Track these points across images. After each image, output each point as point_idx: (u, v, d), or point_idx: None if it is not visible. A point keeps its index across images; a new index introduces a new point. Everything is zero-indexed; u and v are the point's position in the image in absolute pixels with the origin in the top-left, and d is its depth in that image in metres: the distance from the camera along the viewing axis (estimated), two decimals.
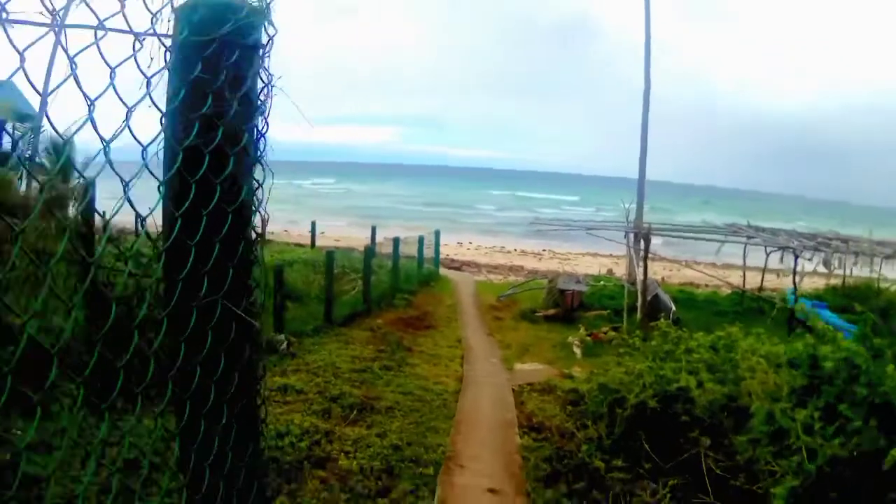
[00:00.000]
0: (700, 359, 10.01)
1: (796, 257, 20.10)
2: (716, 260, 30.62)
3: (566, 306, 21.15)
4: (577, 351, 17.04)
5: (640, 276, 19.61)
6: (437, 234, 30.97)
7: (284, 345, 14.47)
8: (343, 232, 49.61)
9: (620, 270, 35.63)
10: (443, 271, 31.17)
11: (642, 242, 19.33)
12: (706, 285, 33.22)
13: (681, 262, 31.69)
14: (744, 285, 25.02)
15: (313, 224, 37.48)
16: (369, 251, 21.16)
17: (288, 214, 53.20)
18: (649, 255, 19.38)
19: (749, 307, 23.92)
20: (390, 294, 22.22)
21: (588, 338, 18.19)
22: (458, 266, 36.63)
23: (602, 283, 26.15)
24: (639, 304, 19.03)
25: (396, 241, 24.29)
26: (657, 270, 28.77)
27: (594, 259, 42.18)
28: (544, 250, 48.45)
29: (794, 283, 20.14)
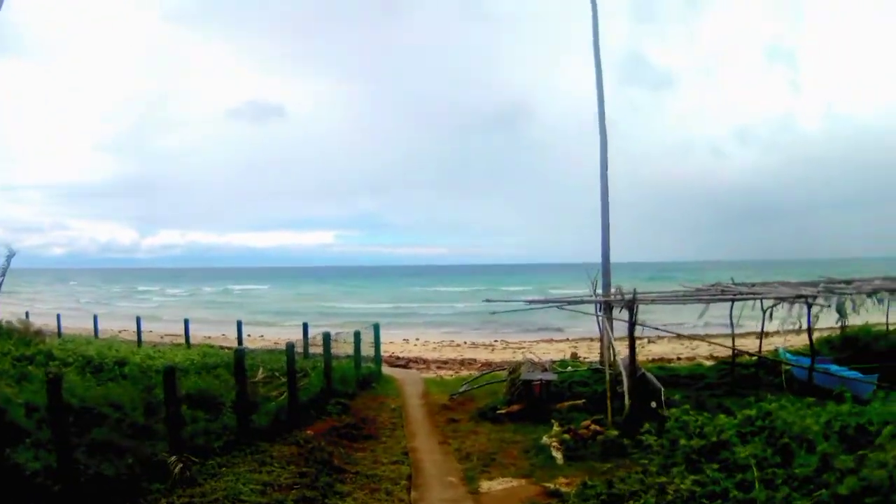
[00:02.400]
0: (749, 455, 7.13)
1: (809, 307, 17.14)
2: (696, 326, 27.89)
3: (533, 399, 17.74)
4: (558, 455, 13.73)
5: (612, 356, 17.19)
6: (377, 328, 27.24)
7: (177, 468, 11.20)
8: (276, 333, 45.71)
9: (585, 353, 32.96)
10: (386, 370, 27.49)
11: (612, 315, 16.28)
12: (678, 358, 30.58)
13: (665, 333, 28.42)
14: (733, 351, 21.78)
15: (239, 324, 33.76)
16: (291, 347, 17.58)
17: (218, 317, 50.28)
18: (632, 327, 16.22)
19: (743, 375, 21.11)
20: (323, 399, 18.68)
21: (566, 436, 14.78)
22: (403, 363, 33.20)
23: (570, 367, 22.64)
24: (625, 387, 15.77)
25: (327, 336, 20.67)
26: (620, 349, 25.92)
27: (550, 345, 39.47)
28: (496, 341, 46.05)
29: (811, 337, 18.62)
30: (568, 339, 44.96)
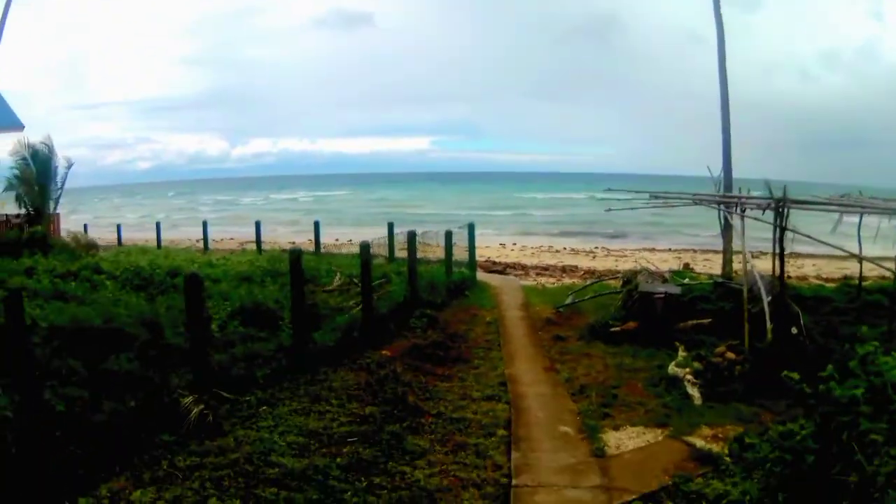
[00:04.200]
0: None
1: None
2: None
3: (653, 316, 14.80)
4: (694, 392, 10.86)
5: (755, 270, 13.83)
6: (472, 228, 24.18)
7: (195, 412, 8.63)
8: (363, 236, 43.53)
9: (696, 265, 30.15)
10: (481, 276, 24.61)
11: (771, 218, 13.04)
12: (788, 276, 27.48)
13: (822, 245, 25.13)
14: (861, 273, 18.31)
15: (316, 224, 31.25)
16: (366, 248, 14.92)
17: (303, 223, 48.50)
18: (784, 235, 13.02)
19: (869, 302, 17.30)
20: (406, 310, 16.03)
21: (697, 364, 11.85)
22: (500, 269, 30.48)
23: (687, 280, 19.29)
24: (765, 307, 12.55)
25: (412, 236, 17.90)
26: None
27: (652, 255, 35.98)
28: (596, 248, 43.41)
29: None
30: (670, 250, 42.07)
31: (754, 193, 14.56)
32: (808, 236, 12.87)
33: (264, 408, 9.62)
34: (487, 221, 54.59)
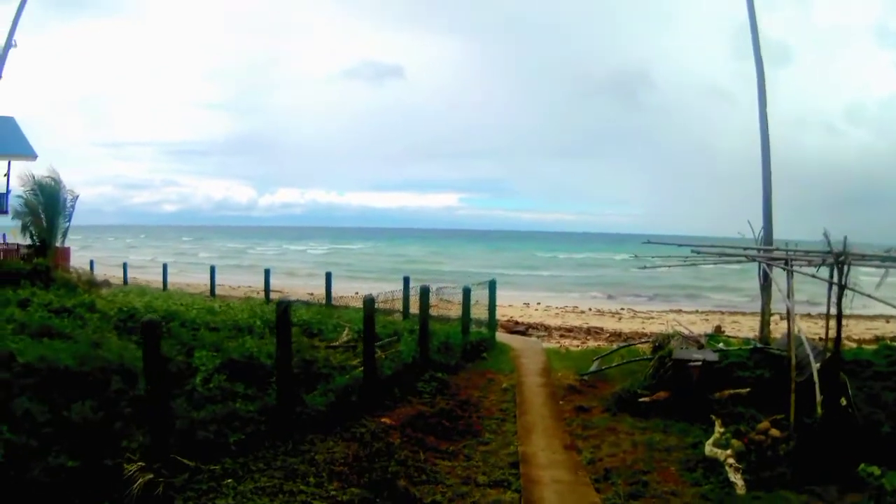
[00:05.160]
0: None
1: None
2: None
3: (687, 385, 13.31)
4: (737, 479, 9.35)
5: (802, 334, 12.23)
6: (493, 284, 22.80)
7: (140, 482, 7.51)
8: (378, 289, 42.59)
9: (728, 328, 28.69)
10: (502, 337, 23.10)
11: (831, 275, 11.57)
12: (819, 338, 26.08)
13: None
14: None
15: (328, 276, 30.04)
16: (370, 303, 13.59)
17: (318, 275, 47.79)
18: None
19: None
20: (414, 372, 14.64)
21: (736, 442, 10.35)
22: (522, 329, 29.14)
23: (721, 344, 17.64)
24: (815, 377, 11.03)
25: (425, 292, 16.54)
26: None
27: (679, 317, 34.76)
28: (622, 309, 42.42)
29: None
30: (698, 311, 41.22)
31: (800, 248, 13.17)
32: (870, 295, 11.42)
33: (229, 481, 8.27)
34: (511, 281, 53.61)
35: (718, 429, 11.09)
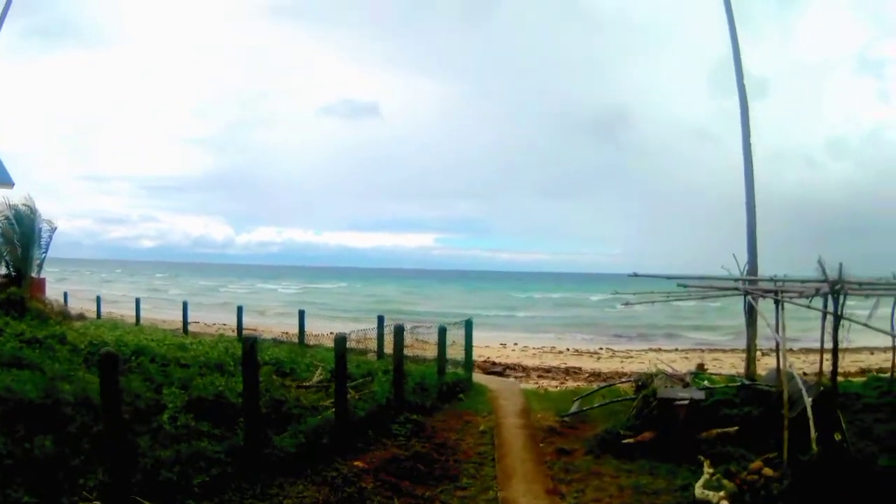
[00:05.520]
0: None
1: None
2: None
3: (673, 425, 12.81)
4: None
5: (792, 369, 11.87)
6: (469, 324, 22.10)
7: None
8: (351, 329, 42.27)
9: (710, 365, 28.73)
10: (479, 378, 22.51)
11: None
12: (804, 373, 25.89)
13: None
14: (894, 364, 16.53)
15: (301, 314, 29.43)
16: (341, 341, 12.98)
17: (290, 314, 47.81)
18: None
19: None
20: (388, 414, 14.04)
21: (728, 483, 9.93)
22: (499, 370, 28.63)
23: (706, 381, 17.13)
24: (809, 413, 10.61)
25: (399, 331, 15.95)
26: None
27: (659, 355, 34.19)
28: (601, 348, 41.99)
29: None
30: (677, 350, 40.87)
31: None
32: (867, 325, 11.04)
33: None
34: (487, 322, 53.29)
35: (707, 469, 10.61)
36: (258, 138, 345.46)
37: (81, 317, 32.57)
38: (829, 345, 11.84)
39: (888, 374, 18.45)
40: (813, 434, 10.36)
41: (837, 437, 10.86)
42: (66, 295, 38.83)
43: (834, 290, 10.79)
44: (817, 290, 11.21)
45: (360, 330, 21.66)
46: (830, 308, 11.48)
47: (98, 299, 40.36)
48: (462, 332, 21.54)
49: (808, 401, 10.79)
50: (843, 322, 11.17)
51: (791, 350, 30.33)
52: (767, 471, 10.06)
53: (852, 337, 12.57)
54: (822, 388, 12.68)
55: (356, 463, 10.88)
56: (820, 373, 12.69)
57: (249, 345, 10.21)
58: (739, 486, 9.79)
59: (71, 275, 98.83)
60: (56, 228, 27.45)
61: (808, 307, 11.73)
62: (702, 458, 11.18)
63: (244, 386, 10.32)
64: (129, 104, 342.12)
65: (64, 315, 24.78)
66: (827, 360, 12.55)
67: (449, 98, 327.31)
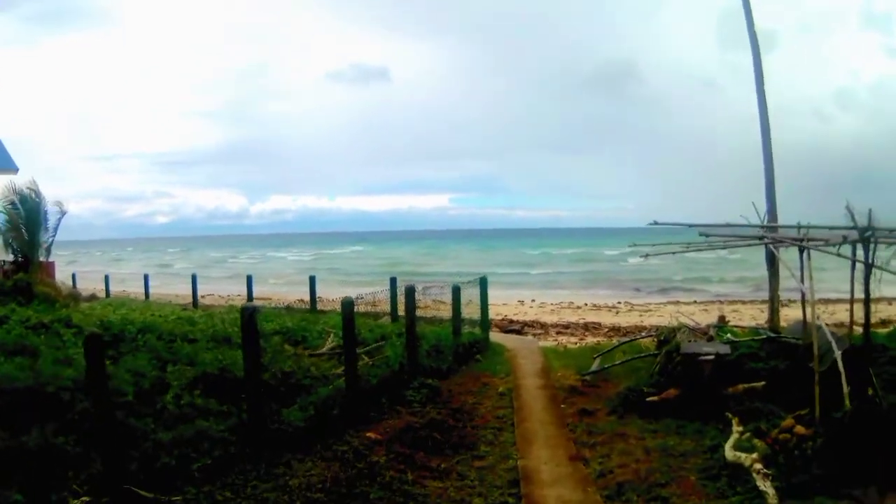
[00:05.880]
0: None
1: None
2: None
3: (698, 381, 12.26)
4: (767, 487, 8.23)
5: (821, 320, 10.99)
6: (484, 282, 21.45)
7: None
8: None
9: (732, 317, 27.80)
10: (496, 337, 22.16)
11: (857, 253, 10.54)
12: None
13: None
14: None
15: (312, 280, 28.96)
16: (348, 305, 12.40)
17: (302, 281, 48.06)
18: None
19: None
20: (402, 380, 13.52)
21: (759, 442, 9.38)
22: (517, 328, 28.19)
23: (729, 335, 16.49)
24: (840, 368, 9.99)
25: (410, 292, 15.34)
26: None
27: (678, 308, 33.51)
28: (619, 303, 41.32)
29: None
30: (696, 302, 40.53)
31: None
32: None
33: None
34: (503, 280, 52.66)
35: (736, 428, 10.13)
36: (268, 108, 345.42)
37: (93, 297, 32.44)
38: (858, 294, 11.26)
39: None
40: (845, 389, 9.80)
41: (869, 391, 10.30)
42: (74, 276, 38.77)
43: (864, 238, 10.12)
44: (845, 237, 10.56)
45: (369, 293, 21.11)
46: (859, 256, 10.88)
47: (106, 278, 40.32)
48: (477, 290, 20.95)
49: (839, 354, 10.23)
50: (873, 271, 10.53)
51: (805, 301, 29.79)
52: (800, 429, 9.49)
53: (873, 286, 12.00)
54: (850, 341, 12.12)
55: (368, 434, 10.39)
56: (851, 324, 12.05)
57: (248, 315, 9.65)
58: (771, 446, 9.25)
59: (82, 256, 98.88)
60: (66, 212, 27.00)
61: (838, 255, 11.08)
62: (729, 415, 10.74)
63: (244, 359, 9.80)
64: (134, 82, 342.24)
65: (74, 297, 24.54)
66: (853, 310, 11.91)
67: (458, 58, 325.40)
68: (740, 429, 10.10)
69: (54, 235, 26.62)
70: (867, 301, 10.66)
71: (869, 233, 10.03)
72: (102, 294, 36.93)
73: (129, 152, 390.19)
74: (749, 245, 13.84)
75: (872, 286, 10.68)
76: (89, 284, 39.91)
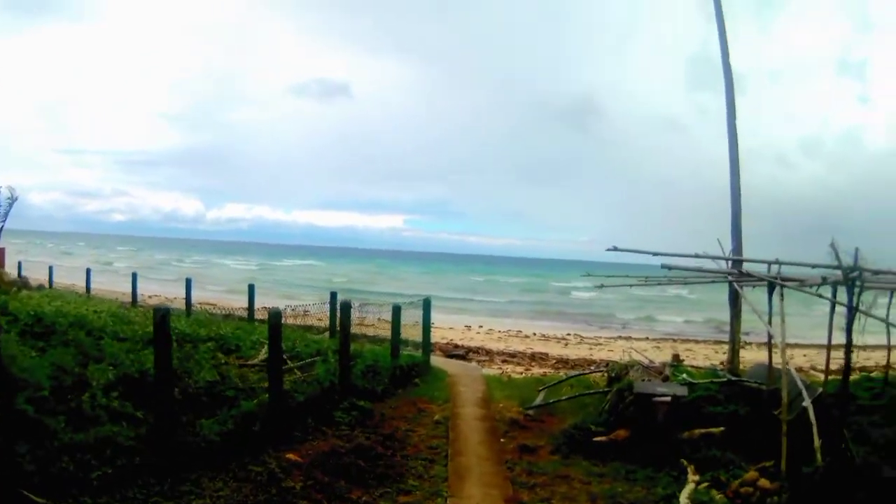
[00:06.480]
0: None
1: None
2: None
3: (652, 424, 11.46)
4: None
5: (790, 365, 10.29)
6: (427, 304, 20.38)
7: None
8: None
9: (686, 357, 26.91)
10: (438, 361, 21.34)
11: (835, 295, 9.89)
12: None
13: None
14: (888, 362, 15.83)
15: (251, 287, 27.81)
16: (275, 316, 11.40)
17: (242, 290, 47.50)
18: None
19: None
20: (331, 399, 12.61)
21: (720, 495, 8.91)
22: (462, 353, 27.10)
23: (684, 375, 15.67)
24: (811, 419, 9.40)
25: (345, 307, 14.44)
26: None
27: (628, 343, 33.43)
28: (569, 334, 40.41)
29: None
30: (647, 338, 39.62)
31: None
32: (885, 320, 9.75)
33: None
34: (451, 304, 52.00)
35: (693, 477, 9.51)
36: (231, 115, 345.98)
37: (41, 287, 31.72)
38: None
39: (873, 373, 17.52)
40: (816, 443, 9.04)
41: (842, 445, 9.57)
42: (20, 265, 38.76)
43: (849, 279, 9.32)
44: (824, 278, 9.78)
45: (300, 305, 20.25)
46: (841, 298, 10.17)
47: (50, 269, 39.75)
48: (421, 312, 20.04)
49: (809, 403, 9.47)
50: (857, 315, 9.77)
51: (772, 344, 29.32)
52: (764, 482, 8.94)
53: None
54: (820, 389, 11.41)
55: (289, 455, 9.53)
56: (827, 372, 11.38)
57: (160, 316, 8.66)
58: (732, 500, 8.58)
59: (35, 247, 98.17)
60: (16, 198, 26.07)
61: (819, 296, 10.34)
62: (685, 462, 10.14)
63: (155, 363, 8.86)
64: (105, 79, 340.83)
65: (19, 286, 24.20)
66: (829, 357, 11.25)
67: (420, 80, 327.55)
68: (696, 478, 9.49)
69: (4, 221, 25.93)
70: (848, 348, 9.88)
71: (856, 274, 9.20)
72: (44, 284, 36.29)
73: (95, 148, 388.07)
74: (713, 282, 13.09)
75: (855, 333, 9.90)
76: (38, 275, 39.44)
